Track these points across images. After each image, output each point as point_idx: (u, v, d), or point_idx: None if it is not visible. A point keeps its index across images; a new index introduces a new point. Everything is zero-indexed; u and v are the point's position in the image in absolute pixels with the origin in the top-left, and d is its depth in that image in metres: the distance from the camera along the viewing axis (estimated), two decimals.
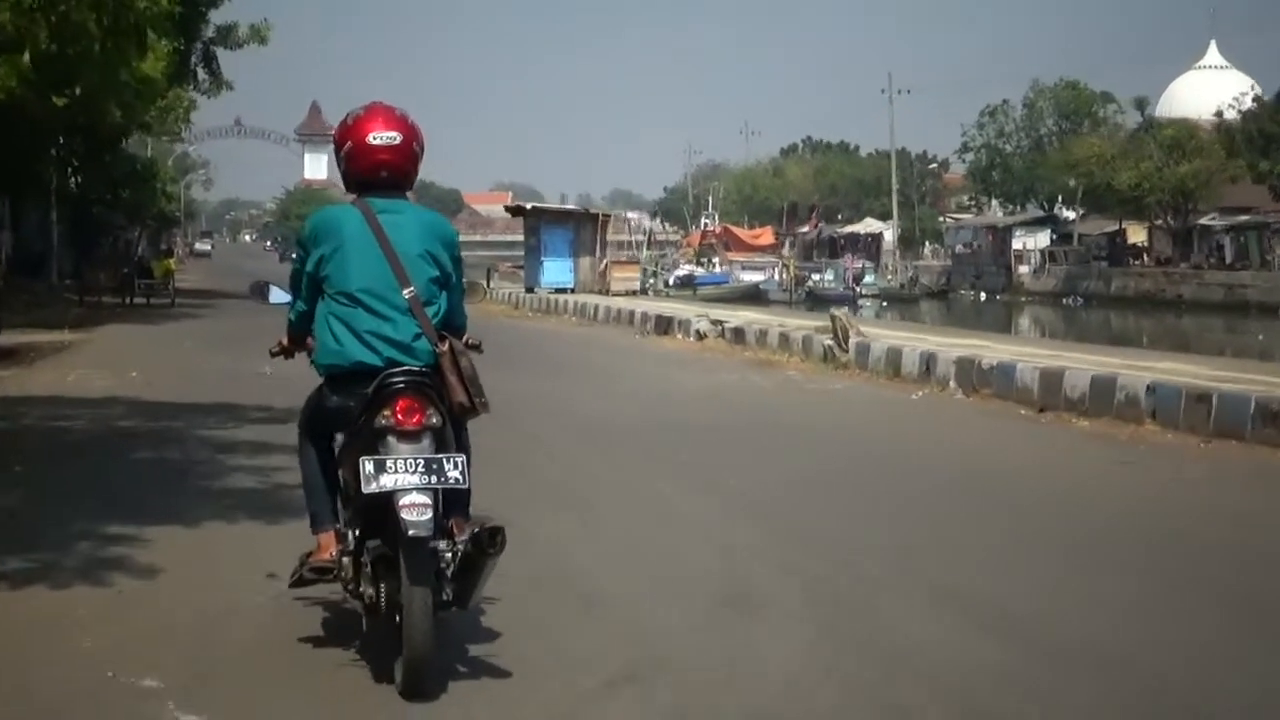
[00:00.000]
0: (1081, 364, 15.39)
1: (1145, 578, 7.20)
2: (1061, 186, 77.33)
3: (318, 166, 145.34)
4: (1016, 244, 76.97)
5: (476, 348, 5.46)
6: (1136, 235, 74.90)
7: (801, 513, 8.89)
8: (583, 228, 41.06)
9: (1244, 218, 66.91)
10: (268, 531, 7.57)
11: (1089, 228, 76.59)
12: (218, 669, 5.32)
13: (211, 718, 4.81)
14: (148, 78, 27.63)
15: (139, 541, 7.32)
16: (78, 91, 23.95)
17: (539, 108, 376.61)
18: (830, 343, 19.45)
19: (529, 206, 44.65)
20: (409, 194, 5.59)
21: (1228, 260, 66.14)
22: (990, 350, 17.72)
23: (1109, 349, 22.02)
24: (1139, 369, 14.87)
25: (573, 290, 39.05)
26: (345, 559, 5.31)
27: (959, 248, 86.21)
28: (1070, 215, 78.52)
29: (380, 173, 5.42)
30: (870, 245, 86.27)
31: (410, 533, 4.88)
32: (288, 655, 5.48)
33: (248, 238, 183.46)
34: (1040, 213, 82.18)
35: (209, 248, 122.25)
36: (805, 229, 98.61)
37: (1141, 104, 78.03)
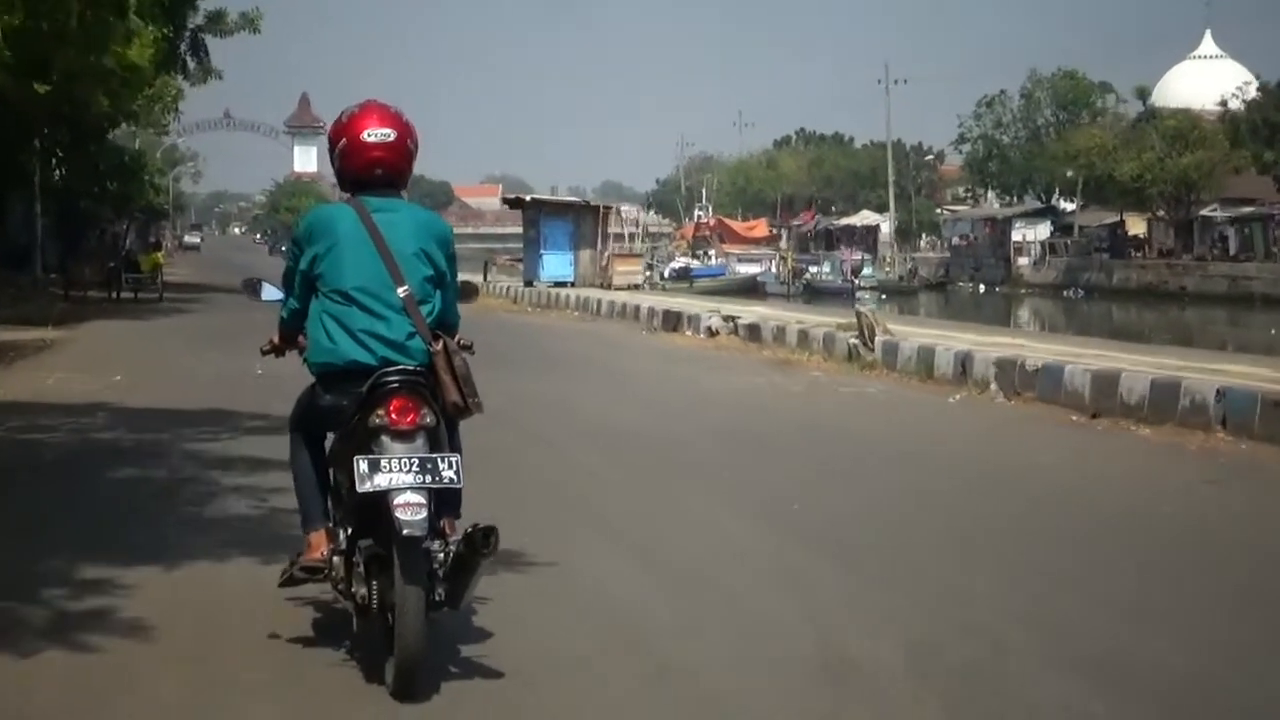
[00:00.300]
0: (1135, 365, 14.38)
1: None
2: (1060, 177, 76.51)
3: (307, 159, 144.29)
4: (1016, 236, 76.11)
5: (468, 348, 5.40)
6: (1136, 227, 74.01)
7: (885, 548, 7.70)
8: (583, 220, 39.98)
9: (1248, 209, 66.05)
10: (266, 574, 6.53)
11: (1087, 219, 75.82)
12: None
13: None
14: (134, 65, 26.78)
15: (118, 588, 6.25)
16: (56, 78, 22.99)
17: (529, 100, 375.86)
18: (855, 341, 18.43)
19: (529, 198, 43.54)
20: (402, 191, 5.54)
21: (1232, 252, 65.28)
22: (1029, 349, 16.71)
23: (1162, 349, 20.69)
24: (1200, 371, 13.85)
25: (572, 284, 38.00)
26: (337, 558, 5.26)
27: (955, 240, 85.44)
28: (1069, 206, 77.63)
29: (375, 170, 5.37)
30: (866, 237, 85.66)
31: (405, 532, 4.83)
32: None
33: (237, 230, 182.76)
34: (1038, 204, 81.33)
35: (198, 241, 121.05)
36: (800, 221, 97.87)
37: (1143, 93, 77.18)
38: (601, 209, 41.90)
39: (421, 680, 4.87)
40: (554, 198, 48.45)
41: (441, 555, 4.99)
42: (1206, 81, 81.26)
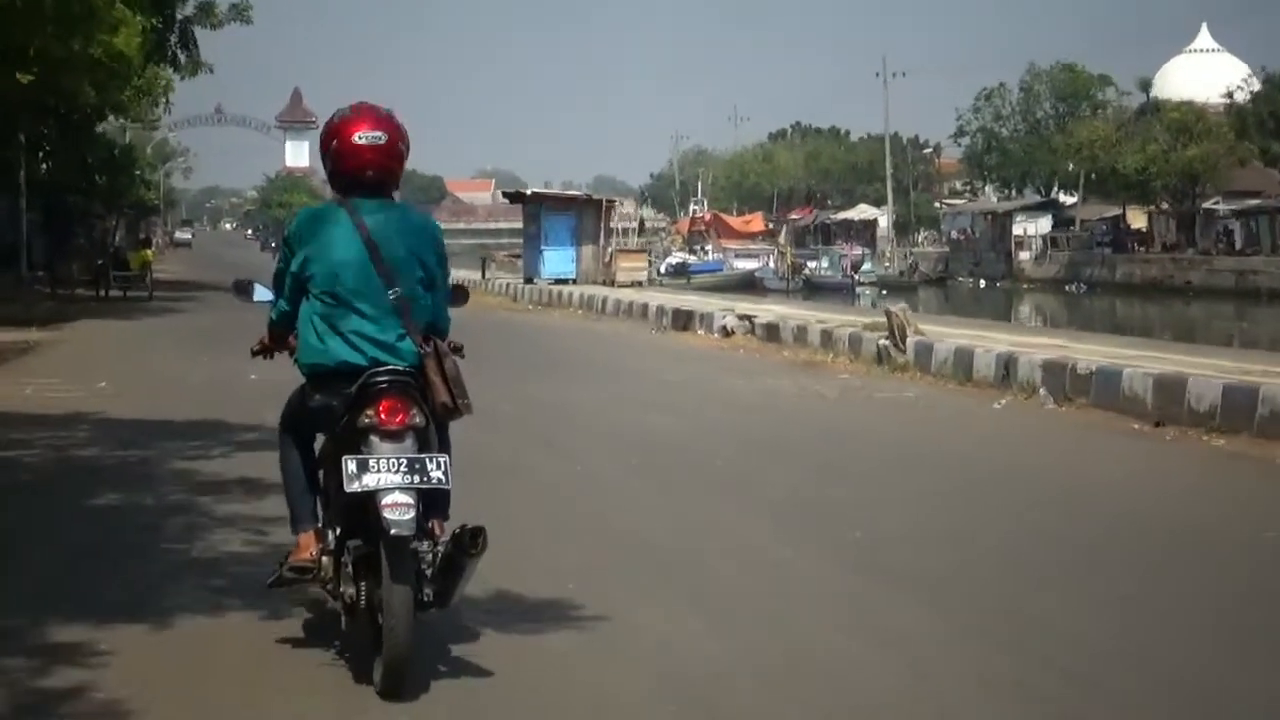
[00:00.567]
0: (1195, 368, 13.38)
1: None
2: (1060, 171, 75.58)
3: (299, 154, 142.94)
4: (1017, 230, 75.09)
5: (458, 351, 5.37)
6: (1136, 221, 73.07)
7: (967, 583, 6.74)
8: (585, 215, 38.68)
9: (1252, 202, 65.10)
10: (267, 630, 5.57)
11: (1088, 213, 74.78)
12: None
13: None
14: (121, 54, 25.61)
15: (92, 656, 5.23)
16: (39, 68, 21.99)
17: (521, 94, 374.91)
18: (885, 342, 17.42)
19: (529, 192, 42.21)
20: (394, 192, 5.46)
21: (1237, 246, 64.31)
22: (1074, 350, 15.70)
23: (1215, 349, 19.53)
24: (1265, 376, 12.84)
25: (574, 281, 36.82)
26: (325, 558, 5.24)
27: (954, 234, 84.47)
28: (1069, 200, 76.68)
29: (366, 172, 5.32)
30: (864, 232, 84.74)
31: (392, 532, 4.82)
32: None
33: (229, 226, 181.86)
34: (1038, 197, 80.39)
35: (189, 237, 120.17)
36: (797, 215, 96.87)
37: (1146, 85, 76.28)
38: (604, 203, 40.56)
39: (409, 680, 4.85)
40: (555, 191, 47.05)
41: (430, 556, 4.96)
42: (1204, 75, 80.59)
